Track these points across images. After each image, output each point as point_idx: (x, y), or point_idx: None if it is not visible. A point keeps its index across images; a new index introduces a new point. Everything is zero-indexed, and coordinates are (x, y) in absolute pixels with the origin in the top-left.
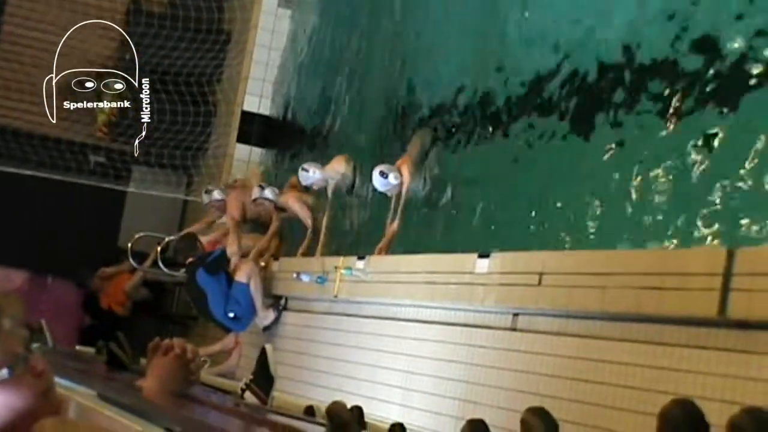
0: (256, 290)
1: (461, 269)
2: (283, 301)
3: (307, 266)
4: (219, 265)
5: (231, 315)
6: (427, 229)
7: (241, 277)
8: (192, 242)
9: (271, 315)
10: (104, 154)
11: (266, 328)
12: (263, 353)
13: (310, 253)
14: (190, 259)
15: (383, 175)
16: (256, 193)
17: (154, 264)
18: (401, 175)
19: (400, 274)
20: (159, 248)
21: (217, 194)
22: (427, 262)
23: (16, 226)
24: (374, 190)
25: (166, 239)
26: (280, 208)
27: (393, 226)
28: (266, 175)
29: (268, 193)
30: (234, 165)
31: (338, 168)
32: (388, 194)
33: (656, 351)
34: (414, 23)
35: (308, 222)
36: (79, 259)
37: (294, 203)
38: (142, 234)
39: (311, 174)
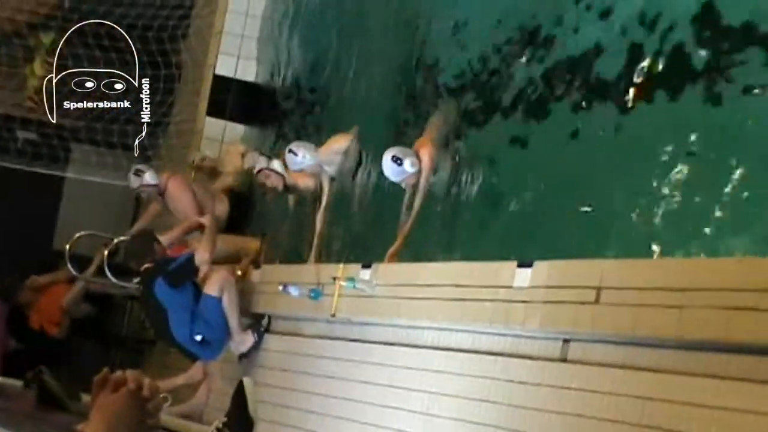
0: (230, 307)
1: (496, 282)
2: (265, 321)
3: (297, 276)
4: (184, 274)
5: (198, 338)
6: (452, 230)
7: (211, 289)
8: (148, 243)
9: (249, 339)
10: (35, 129)
11: (243, 356)
12: (240, 389)
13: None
14: (147, 266)
15: (397, 160)
16: (262, 163)
17: (100, 272)
18: (419, 161)
19: (417, 288)
20: (106, 251)
21: (149, 177)
22: (452, 272)
23: None
24: (385, 179)
25: (115, 240)
26: (289, 187)
27: (407, 226)
28: (250, 155)
29: (278, 165)
30: (203, 144)
31: (337, 150)
32: (402, 185)
33: (753, 390)
34: None
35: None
36: (1, 264)
37: (308, 180)
38: (83, 233)
39: (300, 158)
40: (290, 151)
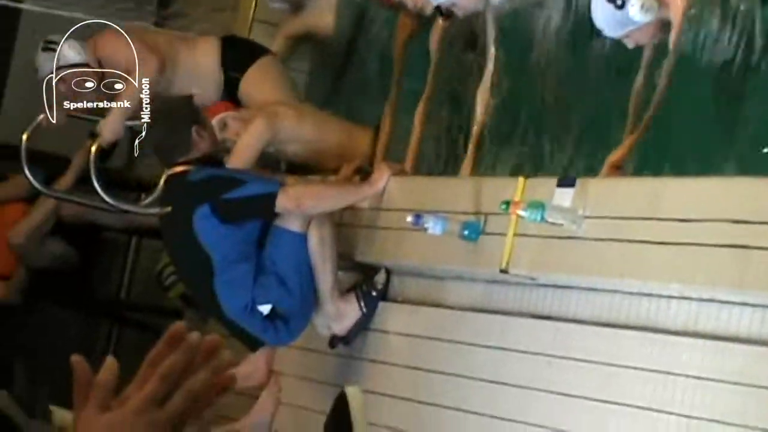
0: (321, 253)
1: None
2: (380, 280)
3: (440, 198)
4: (255, 209)
5: (264, 309)
6: (721, 122)
7: (291, 221)
8: (183, 125)
9: (351, 311)
10: None
11: (340, 341)
12: (341, 402)
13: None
14: (177, 170)
15: None
16: None
17: (82, 183)
18: (661, 2)
19: (659, 225)
20: (94, 146)
21: (70, 52)
22: (726, 197)
23: None
24: (593, 29)
25: None
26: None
27: (646, 117)
28: None
29: None
30: None
31: None
32: (628, 44)
33: None
34: None
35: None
36: None
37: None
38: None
39: None
40: None
